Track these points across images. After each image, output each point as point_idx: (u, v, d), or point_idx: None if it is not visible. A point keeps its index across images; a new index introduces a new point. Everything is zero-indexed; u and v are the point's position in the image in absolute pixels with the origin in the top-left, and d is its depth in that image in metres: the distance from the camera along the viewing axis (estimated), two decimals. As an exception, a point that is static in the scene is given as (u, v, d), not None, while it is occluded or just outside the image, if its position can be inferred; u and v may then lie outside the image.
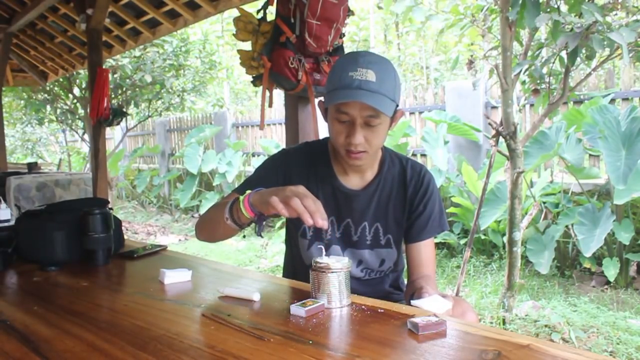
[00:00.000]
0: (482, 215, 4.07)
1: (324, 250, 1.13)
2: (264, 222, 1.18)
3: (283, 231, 1.58)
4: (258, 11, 2.30)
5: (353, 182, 1.39)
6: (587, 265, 3.77)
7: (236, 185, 1.55)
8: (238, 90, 15.75)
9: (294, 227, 1.45)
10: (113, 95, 7.36)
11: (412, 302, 1.08)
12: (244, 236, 6.09)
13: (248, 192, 1.18)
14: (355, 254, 1.39)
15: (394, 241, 1.40)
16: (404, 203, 1.39)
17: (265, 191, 1.13)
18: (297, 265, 1.48)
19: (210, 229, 1.32)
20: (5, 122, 6.58)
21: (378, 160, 1.40)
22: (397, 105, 1.28)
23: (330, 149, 1.41)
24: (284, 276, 1.53)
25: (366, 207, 1.38)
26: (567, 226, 3.81)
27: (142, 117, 8.42)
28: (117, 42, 4.87)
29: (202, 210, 7.40)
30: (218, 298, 1.15)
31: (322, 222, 1.05)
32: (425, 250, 1.39)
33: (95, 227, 1.49)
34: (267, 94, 2.23)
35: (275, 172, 1.39)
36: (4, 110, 5.96)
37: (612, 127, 3.57)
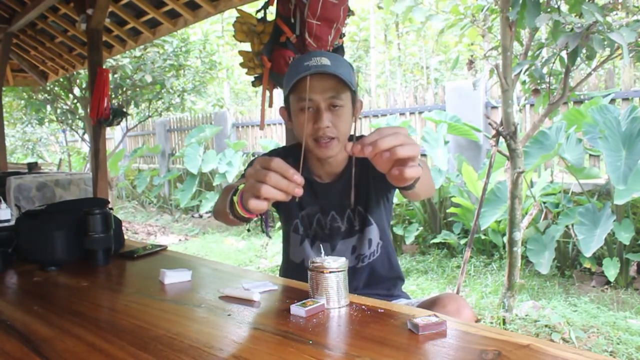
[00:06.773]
0: (482, 215, 4.07)
1: (322, 251, 1.13)
2: (268, 218, 1.17)
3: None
4: (258, 11, 2.29)
5: (328, 175, 1.41)
6: (587, 265, 3.77)
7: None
8: (238, 90, 15.77)
9: (286, 222, 1.46)
10: (113, 95, 7.36)
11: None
12: (244, 236, 6.09)
13: (241, 187, 1.03)
14: (346, 243, 1.40)
15: (375, 218, 1.41)
16: (383, 177, 1.39)
17: (244, 189, 0.96)
18: (287, 263, 1.49)
19: (223, 220, 1.22)
20: (5, 122, 6.58)
21: None
22: (356, 95, 1.31)
23: (303, 149, 1.41)
24: (280, 275, 1.54)
25: (345, 194, 1.40)
26: (567, 226, 3.80)
27: (142, 117, 8.42)
28: (117, 42, 4.87)
29: (202, 210, 7.41)
30: (218, 298, 1.15)
31: (298, 190, 0.89)
32: None
33: (95, 227, 1.49)
34: (267, 94, 2.23)
35: None
36: (4, 110, 5.96)
37: (613, 127, 3.56)
